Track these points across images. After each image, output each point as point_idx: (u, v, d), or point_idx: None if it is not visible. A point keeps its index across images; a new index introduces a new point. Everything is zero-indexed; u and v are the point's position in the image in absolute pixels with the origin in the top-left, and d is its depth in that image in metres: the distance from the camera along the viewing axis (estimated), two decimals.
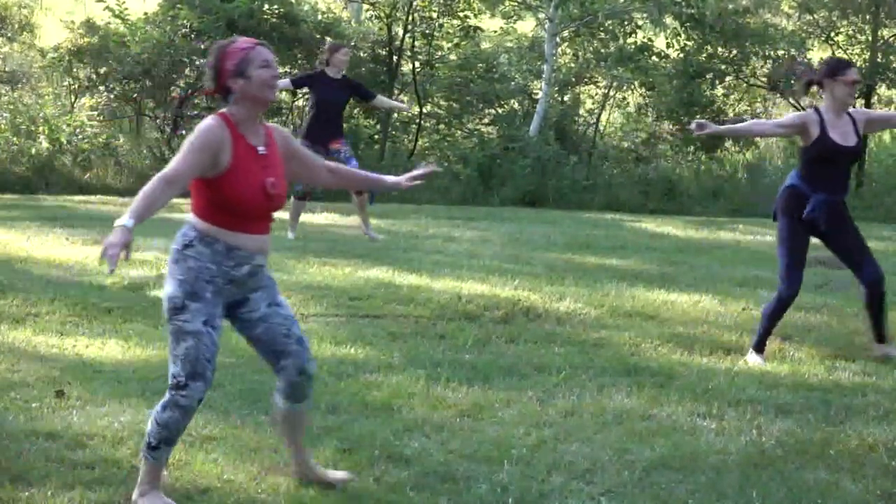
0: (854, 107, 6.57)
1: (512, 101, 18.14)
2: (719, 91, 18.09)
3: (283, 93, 15.56)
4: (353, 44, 16.99)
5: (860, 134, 6.42)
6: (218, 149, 3.73)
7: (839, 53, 16.89)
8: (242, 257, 3.80)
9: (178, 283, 3.74)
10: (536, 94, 17.77)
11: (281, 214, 10.50)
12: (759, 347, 6.37)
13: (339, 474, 4.09)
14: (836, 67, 6.42)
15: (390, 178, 4.28)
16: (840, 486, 4.26)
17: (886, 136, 19.19)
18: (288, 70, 16.81)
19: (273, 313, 3.91)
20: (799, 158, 6.49)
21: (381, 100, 10.96)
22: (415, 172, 4.24)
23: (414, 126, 18.26)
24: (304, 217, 10.95)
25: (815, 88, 6.56)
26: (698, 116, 16.84)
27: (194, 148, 3.72)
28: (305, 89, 10.90)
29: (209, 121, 3.80)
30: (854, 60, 16.30)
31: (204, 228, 3.77)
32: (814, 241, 6.44)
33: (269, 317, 3.90)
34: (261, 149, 3.84)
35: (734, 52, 17.60)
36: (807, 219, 6.24)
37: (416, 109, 18.13)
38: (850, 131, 6.37)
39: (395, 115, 17.97)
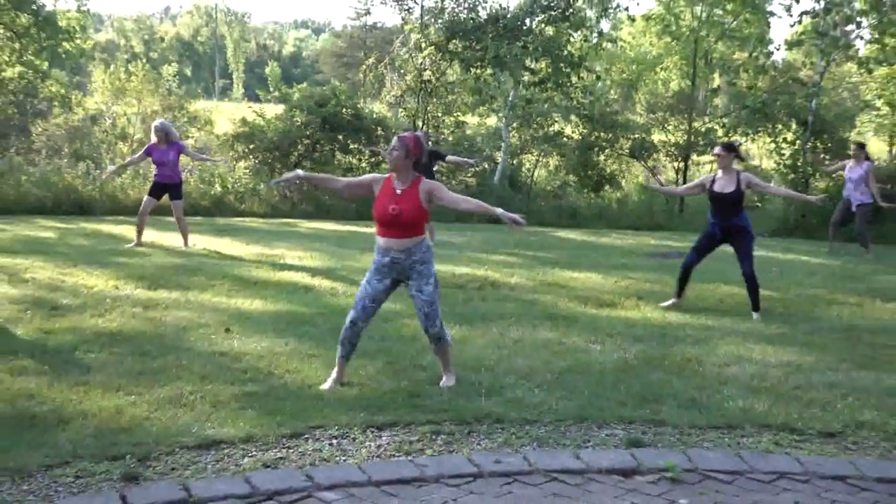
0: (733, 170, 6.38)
1: (484, 163, 19.21)
2: (602, 157, 19.17)
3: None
4: (393, 131, 17.82)
5: (740, 187, 6.13)
6: (371, 184, 4.07)
7: (671, 137, 17.73)
8: (383, 251, 4.06)
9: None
10: (498, 159, 18.97)
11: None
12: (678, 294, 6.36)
13: None
14: (715, 145, 6.36)
15: (499, 210, 3.97)
16: (671, 383, 4.49)
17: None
18: (358, 146, 17.69)
19: (415, 296, 4.13)
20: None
21: (451, 158, 10.13)
22: (516, 217, 3.85)
23: None
24: None
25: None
26: (590, 173, 17.67)
27: (362, 177, 4.12)
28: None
29: (381, 174, 4.09)
30: (676, 141, 17.13)
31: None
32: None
33: (413, 298, 4.14)
34: (398, 190, 4.05)
35: (610, 135, 18.74)
36: (710, 231, 6.45)
37: None
38: (729, 183, 6.24)
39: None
